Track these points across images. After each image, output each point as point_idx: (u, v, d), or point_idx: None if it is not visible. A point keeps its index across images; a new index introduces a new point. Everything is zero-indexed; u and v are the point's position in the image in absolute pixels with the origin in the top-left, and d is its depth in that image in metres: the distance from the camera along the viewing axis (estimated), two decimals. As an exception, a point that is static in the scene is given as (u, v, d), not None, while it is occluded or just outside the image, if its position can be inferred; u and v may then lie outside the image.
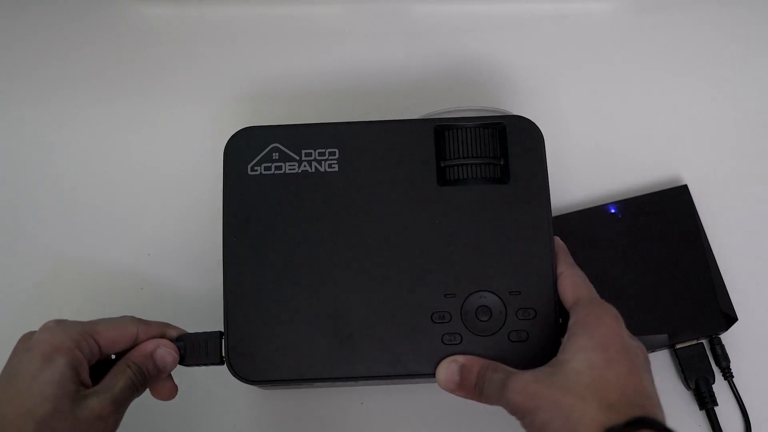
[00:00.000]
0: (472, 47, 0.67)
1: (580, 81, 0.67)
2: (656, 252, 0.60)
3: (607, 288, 0.58)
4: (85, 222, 0.64)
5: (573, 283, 0.52)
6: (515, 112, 0.61)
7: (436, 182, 0.55)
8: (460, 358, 0.52)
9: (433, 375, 0.53)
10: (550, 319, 0.53)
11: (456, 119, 0.56)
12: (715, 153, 0.65)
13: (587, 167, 0.64)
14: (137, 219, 0.64)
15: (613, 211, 0.61)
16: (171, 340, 0.53)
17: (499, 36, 0.67)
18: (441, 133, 0.56)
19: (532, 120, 0.56)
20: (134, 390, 0.51)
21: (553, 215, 0.54)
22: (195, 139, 0.65)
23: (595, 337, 0.48)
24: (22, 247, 0.63)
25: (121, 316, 0.52)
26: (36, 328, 0.48)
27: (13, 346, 0.50)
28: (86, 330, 0.50)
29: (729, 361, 0.60)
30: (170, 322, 0.58)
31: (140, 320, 0.52)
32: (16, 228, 0.64)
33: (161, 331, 0.53)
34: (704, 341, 0.60)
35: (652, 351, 0.59)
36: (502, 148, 0.55)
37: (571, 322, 0.50)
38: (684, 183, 0.62)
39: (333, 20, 0.68)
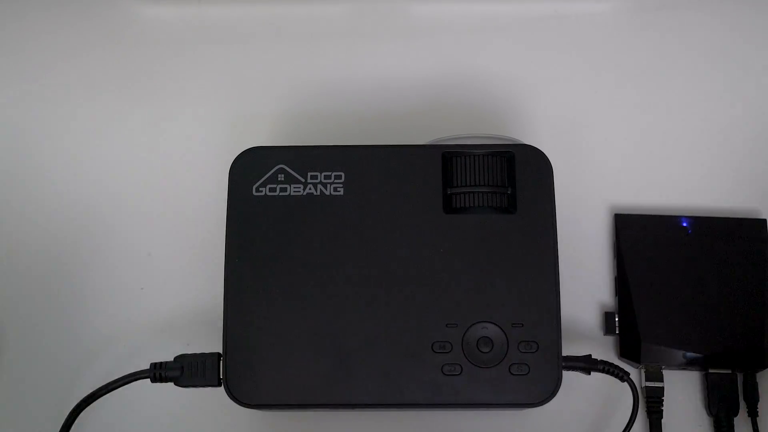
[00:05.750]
0: (472, 49, 0.67)
1: (582, 81, 0.66)
2: (717, 276, 0.59)
3: (659, 296, 0.59)
4: (84, 221, 0.63)
5: None
6: (515, 111, 0.61)
7: (442, 209, 0.54)
8: None
9: (432, 405, 0.52)
10: (552, 353, 0.52)
11: (464, 146, 0.55)
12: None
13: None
14: (137, 219, 0.63)
15: (684, 224, 0.61)
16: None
17: (499, 35, 0.67)
18: (449, 160, 0.55)
19: (541, 149, 0.55)
20: None
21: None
22: (194, 138, 0.65)
23: None
24: (22, 248, 0.63)
25: None
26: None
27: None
28: None
29: (758, 400, 0.59)
30: (170, 323, 0.59)
31: None
32: (14, 230, 0.63)
33: None
34: (738, 374, 0.59)
35: (683, 369, 0.59)
36: (510, 178, 0.55)
37: None
38: (763, 218, 0.62)
39: (337, 23, 0.68)
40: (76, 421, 0.56)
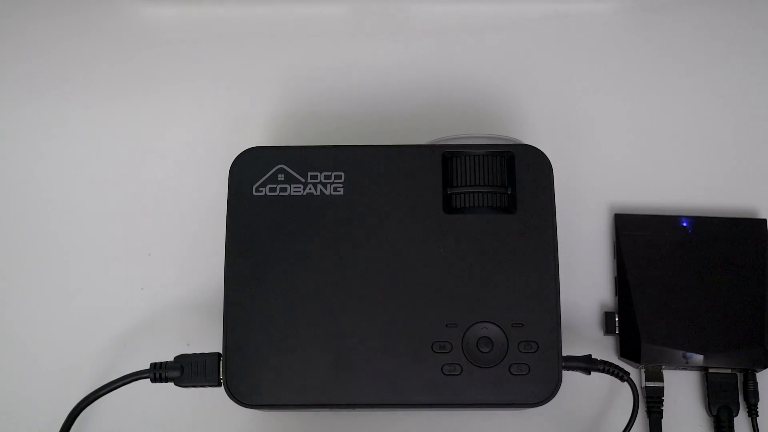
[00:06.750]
0: (472, 49, 0.67)
1: (582, 81, 0.67)
2: (717, 275, 0.60)
3: (659, 296, 0.59)
4: (84, 221, 0.63)
5: None
6: (515, 111, 0.61)
7: (441, 209, 0.54)
8: None
9: (432, 405, 0.52)
10: (552, 353, 0.52)
11: (464, 146, 0.55)
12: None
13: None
14: (137, 219, 0.63)
15: (684, 224, 0.61)
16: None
17: (499, 35, 0.67)
18: (449, 160, 0.55)
19: (541, 149, 0.55)
20: None
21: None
22: (194, 138, 0.65)
23: None
24: (22, 248, 0.63)
25: None
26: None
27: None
28: None
29: (758, 400, 0.59)
30: (170, 323, 0.59)
31: None
32: (12, 231, 0.63)
33: None
34: (738, 373, 0.59)
35: (683, 369, 0.59)
36: (510, 178, 0.55)
37: None
38: (763, 217, 0.62)
39: (337, 23, 0.68)
40: (76, 421, 0.56)
